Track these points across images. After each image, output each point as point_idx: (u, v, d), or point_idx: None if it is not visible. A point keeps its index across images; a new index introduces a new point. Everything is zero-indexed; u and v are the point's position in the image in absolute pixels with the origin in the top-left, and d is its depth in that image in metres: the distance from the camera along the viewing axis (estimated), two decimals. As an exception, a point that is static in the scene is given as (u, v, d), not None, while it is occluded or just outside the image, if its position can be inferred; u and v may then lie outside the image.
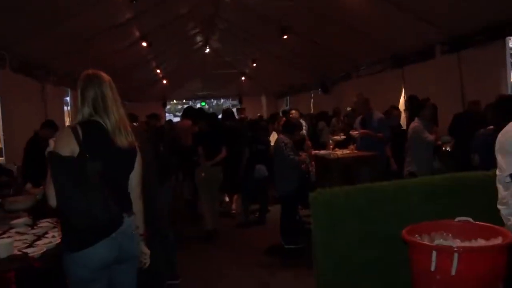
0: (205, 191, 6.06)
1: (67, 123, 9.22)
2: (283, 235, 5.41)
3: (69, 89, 9.83)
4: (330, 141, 7.00)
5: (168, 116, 20.00)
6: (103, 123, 2.20)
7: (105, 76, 2.29)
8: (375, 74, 10.39)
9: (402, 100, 9.36)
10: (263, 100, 19.70)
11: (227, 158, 6.19)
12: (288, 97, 19.15)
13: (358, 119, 6.77)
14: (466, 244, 2.22)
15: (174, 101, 20.87)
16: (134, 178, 2.37)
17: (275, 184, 5.76)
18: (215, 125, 6.35)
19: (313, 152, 6.42)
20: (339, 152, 6.16)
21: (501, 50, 6.75)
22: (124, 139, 2.24)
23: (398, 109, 7.64)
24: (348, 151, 6.23)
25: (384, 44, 9.09)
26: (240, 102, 20.59)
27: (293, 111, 7.65)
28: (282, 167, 5.38)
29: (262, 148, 6.70)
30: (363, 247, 2.83)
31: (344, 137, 7.57)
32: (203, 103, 23.78)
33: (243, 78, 18.38)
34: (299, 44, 11.20)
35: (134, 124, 6.16)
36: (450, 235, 2.31)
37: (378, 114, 6.57)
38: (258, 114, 15.12)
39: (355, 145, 6.46)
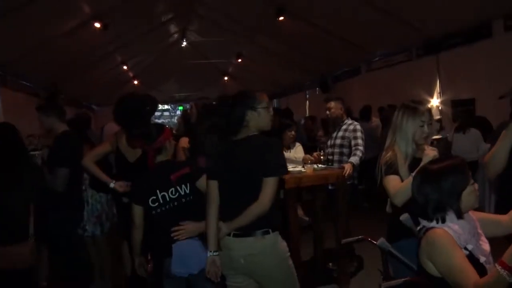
0: None
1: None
2: None
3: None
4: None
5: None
6: None
7: None
8: (395, 65, 8.24)
9: (435, 96, 7.23)
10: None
11: None
12: (275, 100, 16.99)
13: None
14: None
15: (148, 104, 18.45)
16: None
17: None
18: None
19: None
20: None
21: None
22: None
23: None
24: None
25: (413, 25, 6.96)
26: (224, 105, 18.29)
27: (332, 103, 4.41)
28: None
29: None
30: None
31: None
32: (180, 108, 21.39)
33: (225, 78, 16.12)
34: (296, 30, 8.95)
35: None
36: None
37: None
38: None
39: None
